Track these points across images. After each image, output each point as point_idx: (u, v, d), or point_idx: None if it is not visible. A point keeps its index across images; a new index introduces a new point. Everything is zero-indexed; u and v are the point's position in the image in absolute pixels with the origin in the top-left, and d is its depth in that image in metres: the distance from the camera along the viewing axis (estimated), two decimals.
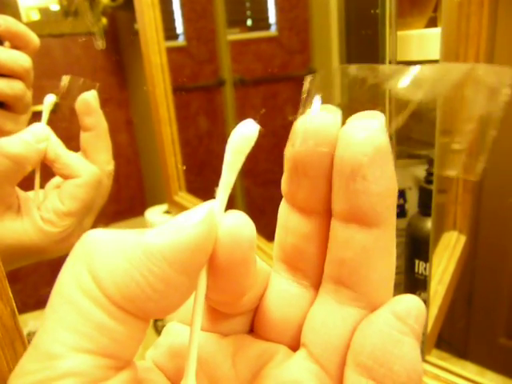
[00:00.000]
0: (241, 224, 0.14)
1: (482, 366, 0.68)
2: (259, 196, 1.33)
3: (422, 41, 0.36)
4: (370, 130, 0.13)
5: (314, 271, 0.16)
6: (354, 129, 0.14)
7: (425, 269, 0.48)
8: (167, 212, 0.97)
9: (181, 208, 0.90)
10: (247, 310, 0.17)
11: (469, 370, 0.63)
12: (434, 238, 0.64)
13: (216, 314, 0.17)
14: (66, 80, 0.37)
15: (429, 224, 0.50)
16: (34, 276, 1.46)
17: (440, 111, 0.15)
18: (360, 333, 0.14)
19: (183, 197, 0.90)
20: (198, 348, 0.14)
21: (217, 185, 0.15)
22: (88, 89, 0.37)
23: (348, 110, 0.15)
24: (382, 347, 0.14)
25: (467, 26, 0.54)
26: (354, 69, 0.15)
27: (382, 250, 0.14)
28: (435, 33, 0.35)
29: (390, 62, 0.36)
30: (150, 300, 0.13)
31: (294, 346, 0.16)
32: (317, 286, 0.16)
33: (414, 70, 0.15)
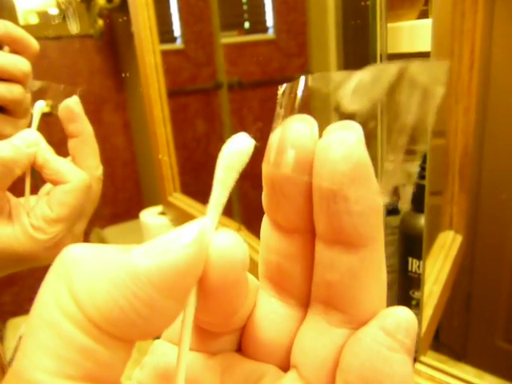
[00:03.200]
0: (233, 245, 0.13)
1: (480, 369, 0.67)
2: (255, 197, 1.33)
3: (413, 33, 0.35)
4: (347, 145, 0.12)
5: (299, 290, 0.15)
6: (330, 144, 0.13)
7: (418, 267, 0.48)
8: (162, 213, 0.97)
9: (175, 209, 0.90)
10: (236, 329, 0.16)
11: (467, 372, 0.62)
12: (430, 237, 0.64)
13: (203, 333, 0.16)
14: (37, 85, 0.38)
15: (422, 221, 0.50)
16: (30, 279, 1.45)
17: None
18: (348, 351, 0.14)
19: (178, 198, 0.90)
20: (186, 368, 0.13)
21: (207, 201, 0.14)
22: (69, 95, 0.36)
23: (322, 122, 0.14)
24: (370, 366, 0.13)
25: (461, 23, 0.54)
26: (311, 79, 0.14)
27: (369, 270, 0.13)
28: (426, 24, 0.34)
29: (381, 55, 0.35)
30: (134, 325, 0.12)
31: (284, 366, 0.16)
32: (304, 304, 0.16)
33: (358, 76, 0.13)
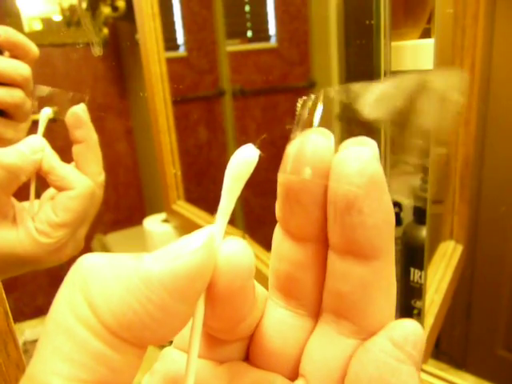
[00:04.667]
0: (240, 251, 0.13)
1: (480, 377, 0.68)
2: (258, 205, 1.34)
3: (416, 51, 0.36)
4: (362, 160, 0.13)
5: (308, 300, 0.16)
6: (346, 159, 0.13)
7: (420, 277, 0.49)
8: (165, 221, 0.97)
9: (179, 217, 0.90)
10: (244, 337, 0.17)
11: (467, 380, 0.63)
12: (430, 246, 0.64)
13: (212, 341, 0.17)
14: (43, 90, 0.38)
15: (424, 232, 0.51)
16: (31, 285, 1.45)
17: (395, 127, 0.14)
18: (356, 361, 0.14)
19: (181, 206, 0.91)
20: (195, 375, 0.14)
21: (215, 210, 0.14)
22: (77, 102, 0.37)
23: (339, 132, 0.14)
24: (378, 376, 0.13)
25: (462, 38, 0.55)
26: (331, 91, 0.15)
27: (381, 282, 0.14)
28: (429, 43, 0.35)
29: (384, 73, 0.36)
30: (147, 328, 0.12)
31: (291, 375, 0.16)
32: (313, 314, 0.16)
33: (377, 87, 0.14)
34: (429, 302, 0.56)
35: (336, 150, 0.14)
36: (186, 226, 0.90)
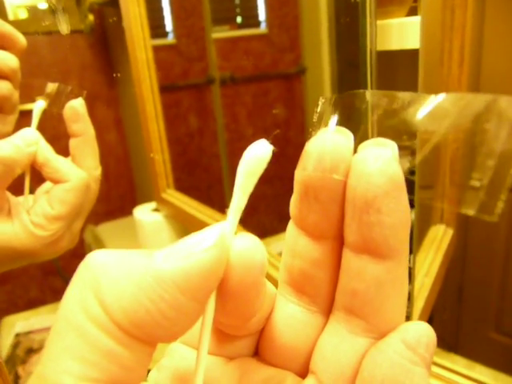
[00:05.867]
0: (252, 248, 0.13)
1: (471, 360, 0.68)
2: (253, 198, 1.33)
3: (402, 30, 0.36)
4: (383, 160, 0.13)
5: (321, 297, 0.16)
6: (366, 158, 0.13)
7: (409, 261, 0.49)
8: (156, 210, 0.97)
9: (169, 205, 0.90)
10: (253, 332, 0.17)
11: (458, 363, 0.63)
12: (421, 231, 0.64)
13: (221, 337, 0.17)
14: (52, 87, 0.38)
15: (413, 216, 0.51)
16: (24, 277, 1.45)
17: (457, 147, 0.15)
18: (369, 361, 0.14)
19: (171, 194, 0.90)
20: (204, 372, 0.14)
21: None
22: (76, 96, 0.37)
23: (362, 136, 0.14)
24: (392, 377, 0.13)
25: (452, 19, 0.54)
26: (370, 94, 0.15)
27: (394, 281, 0.14)
28: (415, 22, 0.35)
29: (370, 52, 0.36)
30: (159, 326, 0.12)
31: (301, 372, 0.16)
32: (324, 311, 0.16)
33: (435, 100, 0.14)
34: (419, 285, 0.56)
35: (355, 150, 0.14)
36: (177, 215, 0.89)
